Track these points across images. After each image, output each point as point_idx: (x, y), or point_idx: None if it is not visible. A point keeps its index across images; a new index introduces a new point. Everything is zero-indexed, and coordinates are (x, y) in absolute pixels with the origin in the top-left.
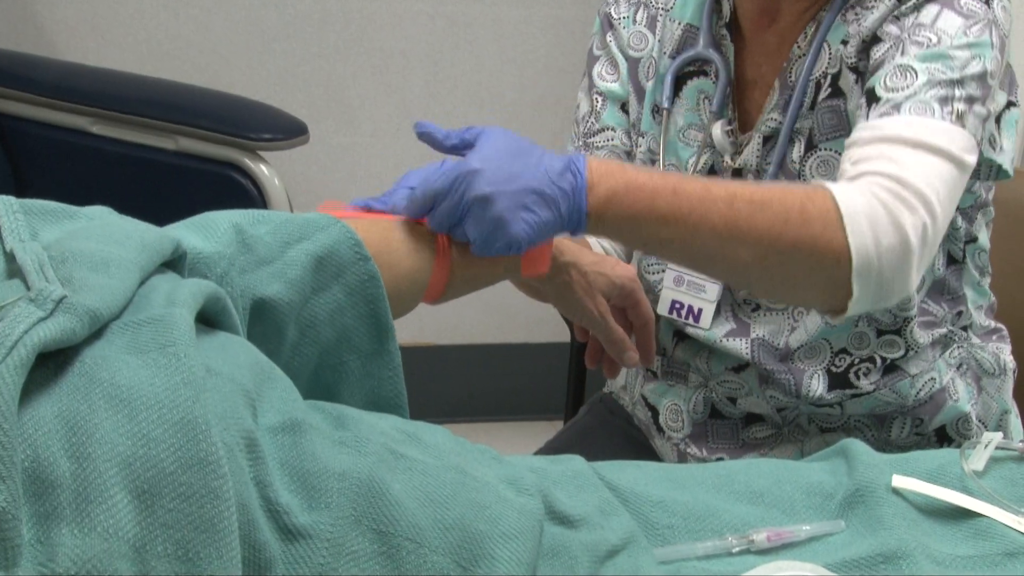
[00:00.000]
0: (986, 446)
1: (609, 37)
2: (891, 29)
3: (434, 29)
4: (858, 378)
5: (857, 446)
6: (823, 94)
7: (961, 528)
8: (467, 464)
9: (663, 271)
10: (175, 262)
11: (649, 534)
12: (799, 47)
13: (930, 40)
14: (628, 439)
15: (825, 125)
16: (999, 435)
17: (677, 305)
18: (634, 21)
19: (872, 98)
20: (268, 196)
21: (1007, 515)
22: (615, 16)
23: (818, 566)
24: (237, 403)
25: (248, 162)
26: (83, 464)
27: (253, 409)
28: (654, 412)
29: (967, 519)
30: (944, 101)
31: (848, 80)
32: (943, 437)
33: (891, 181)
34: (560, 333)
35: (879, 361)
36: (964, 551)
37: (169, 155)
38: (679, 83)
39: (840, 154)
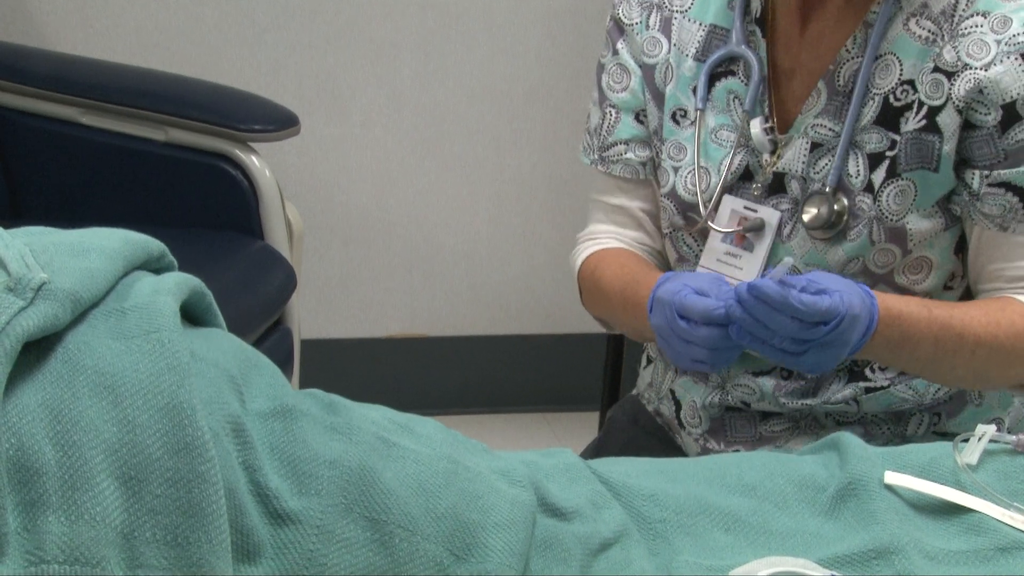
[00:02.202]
0: (980, 439)
1: (620, 44)
2: None
3: (425, 20)
4: (873, 371)
5: (849, 439)
6: (913, 123)
7: (954, 523)
8: (459, 454)
9: (702, 251)
10: (161, 272)
11: (641, 527)
12: (848, 50)
13: None
14: (652, 436)
15: (911, 156)
16: (992, 427)
17: None
18: (647, 26)
19: None
20: (259, 187)
21: (999, 510)
22: (626, 21)
23: (809, 561)
24: (222, 388)
25: (239, 153)
26: (68, 451)
27: (240, 394)
28: (678, 407)
29: (960, 514)
30: None
31: (952, 120)
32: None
33: None
34: (552, 325)
35: None
36: (957, 546)
37: (159, 146)
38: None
39: (916, 184)
